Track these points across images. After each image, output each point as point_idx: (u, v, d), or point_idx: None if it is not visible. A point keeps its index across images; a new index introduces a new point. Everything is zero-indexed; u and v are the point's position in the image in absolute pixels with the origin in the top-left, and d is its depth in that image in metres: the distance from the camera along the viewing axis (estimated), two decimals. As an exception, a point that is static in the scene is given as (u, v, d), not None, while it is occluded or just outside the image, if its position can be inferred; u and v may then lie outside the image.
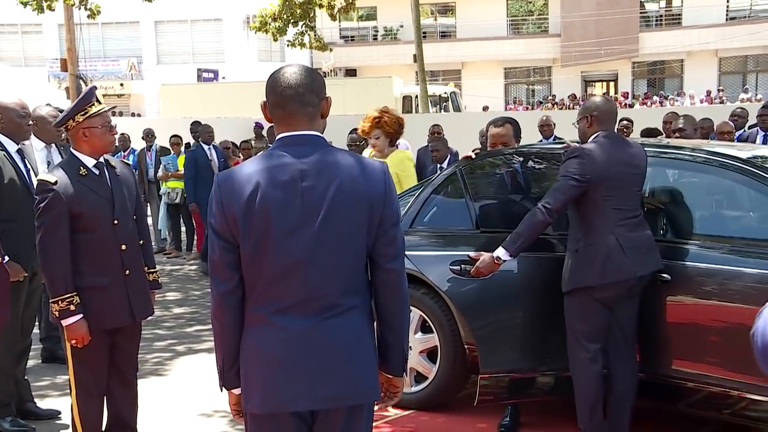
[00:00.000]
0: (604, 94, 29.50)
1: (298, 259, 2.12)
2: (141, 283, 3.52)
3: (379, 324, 2.28)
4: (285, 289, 2.14)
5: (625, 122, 8.61)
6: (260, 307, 2.16)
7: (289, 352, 2.14)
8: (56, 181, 3.26)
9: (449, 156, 8.09)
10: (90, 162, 3.39)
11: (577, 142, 3.93)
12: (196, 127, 10.24)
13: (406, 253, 3.60)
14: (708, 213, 4.03)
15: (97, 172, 3.40)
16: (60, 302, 3.23)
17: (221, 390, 2.31)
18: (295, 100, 2.17)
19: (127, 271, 3.42)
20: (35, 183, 4.19)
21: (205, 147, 9.43)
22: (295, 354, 2.14)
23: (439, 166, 8.09)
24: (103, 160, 3.45)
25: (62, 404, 4.60)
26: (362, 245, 2.19)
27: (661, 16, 32.08)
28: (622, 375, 3.63)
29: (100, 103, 3.41)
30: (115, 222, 3.38)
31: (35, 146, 4.81)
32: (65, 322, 3.26)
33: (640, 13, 31.06)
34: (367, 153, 5.25)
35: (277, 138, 2.22)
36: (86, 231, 3.30)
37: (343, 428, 2.20)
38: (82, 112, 3.36)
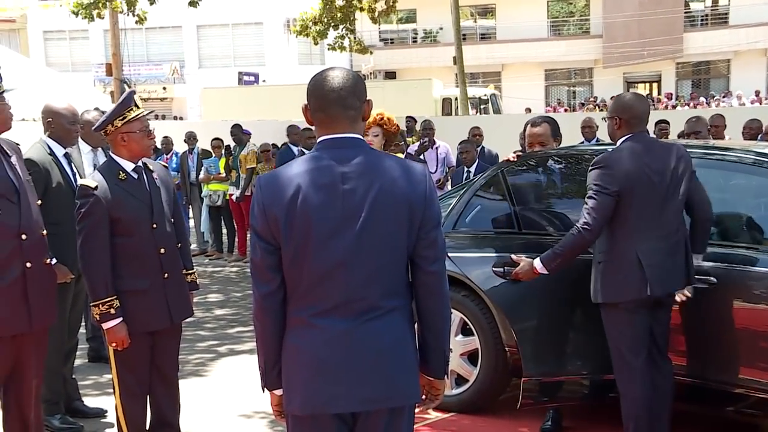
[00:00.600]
0: (635, 92, 29.05)
1: (339, 262, 2.13)
2: (180, 286, 3.56)
3: (420, 326, 2.28)
4: (326, 291, 2.15)
5: (662, 125, 8.44)
6: (301, 309, 2.17)
7: (330, 353, 2.15)
8: (96, 186, 3.30)
9: (477, 159, 8.04)
10: (129, 166, 3.44)
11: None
12: (237, 130, 10.34)
13: (449, 254, 3.59)
14: (756, 215, 3.93)
15: (135, 177, 3.45)
16: (100, 306, 3.28)
17: (263, 391, 2.33)
18: (338, 104, 2.18)
19: (166, 274, 3.45)
20: None
21: (295, 149, 9.34)
22: (336, 356, 2.14)
23: (466, 169, 8.01)
24: (141, 164, 3.50)
25: (108, 403, 4.67)
26: (403, 247, 2.18)
27: (706, 15, 31.50)
28: (657, 385, 3.55)
29: (138, 107, 3.45)
30: (154, 226, 3.42)
31: (82, 150, 4.90)
32: (105, 326, 3.30)
33: (685, 12, 30.54)
34: None
35: (318, 141, 2.23)
36: (125, 235, 3.34)
37: (384, 430, 2.20)
38: (121, 117, 3.41)
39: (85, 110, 5.18)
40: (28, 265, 3.16)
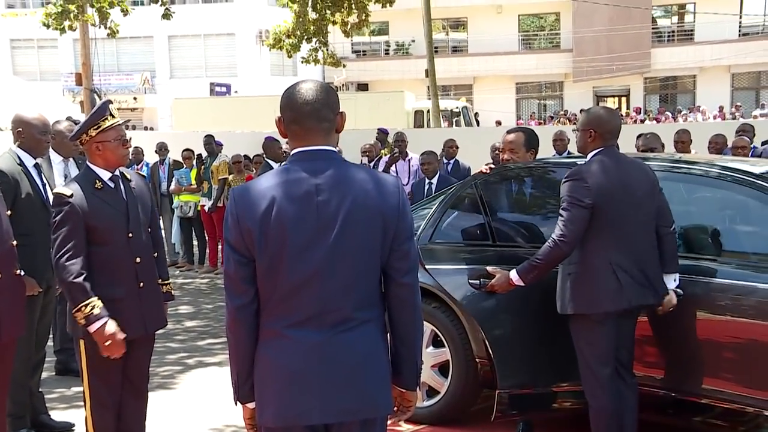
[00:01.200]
0: (607, 107, 29.44)
1: (312, 273, 2.14)
2: (155, 295, 3.55)
3: (393, 338, 2.29)
4: (299, 302, 2.15)
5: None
6: (275, 321, 2.17)
7: (303, 365, 2.15)
8: (72, 195, 3.29)
9: (438, 172, 7.97)
10: (105, 175, 3.43)
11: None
12: (210, 141, 10.29)
13: (425, 266, 3.61)
14: (721, 228, 4.01)
15: (112, 185, 3.43)
16: (83, 309, 3.24)
17: (236, 404, 2.32)
18: (312, 116, 2.20)
19: (141, 284, 3.44)
20: (51, 197, 4.24)
21: (274, 164, 8.91)
22: (310, 367, 2.15)
23: (428, 180, 7.90)
24: (118, 173, 3.49)
25: (75, 416, 4.61)
26: (376, 259, 2.20)
27: (673, 31, 32.09)
28: (623, 396, 3.59)
29: (113, 116, 3.45)
30: (130, 235, 3.41)
31: (53, 160, 4.86)
32: (93, 328, 3.25)
33: (653, 28, 31.09)
34: None
35: (292, 153, 2.25)
36: (101, 244, 3.33)
37: None
38: (96, 126, 3.40)
39: (56, 120, 5.14)
40: None
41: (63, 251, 3.25)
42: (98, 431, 3.43)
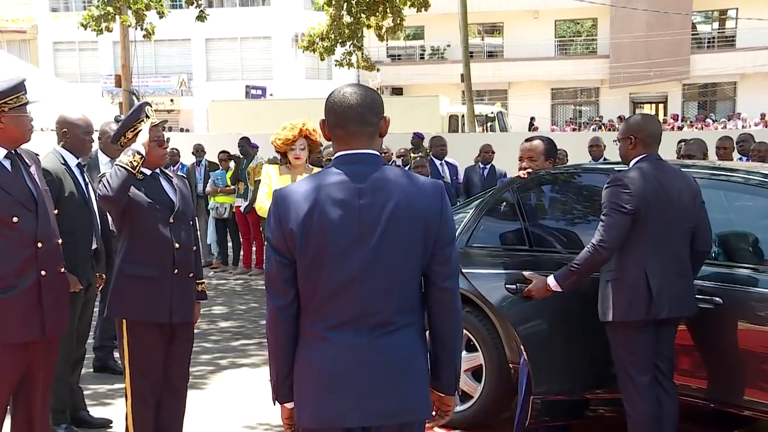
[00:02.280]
0: (646, 113, 29.13)
1: (354, 276, 2.15)
2: (187, 285, 3.64)
3: (432, 342, 2.29)
4: (340, 305, 2.16)
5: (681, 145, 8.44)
6: (315, 323, 2.19)
7: (343, 367, 2.16)
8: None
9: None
10: (146, 173, 3.54)
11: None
12: (245, 143, 10.39)
13: (463, 270, 3.60)
14: (762, 237, 3.94)
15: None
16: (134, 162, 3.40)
17: (274, 403, 2.33)
18: (356, 120, 2.22)
19: (176, 270, 3.54)
20: (92, 197, 4.32)
21: (437, 162, 9.13)
22: (349, 369, 2.16)
23: None
24: (158, 171, 3.57)
25: (112, 413, 4.68)
26: (418, 263, 2.21)
27: (713, 37, 31.63)
28: (663, 405, 3.55)
29: (149, 118, 3.51)
30: (171, 221, 3.52)
31: (101, 161, 4.98)
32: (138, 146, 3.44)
33: (692, 34, 30.67)
34: (273, 174, 4.95)
35: (335, 156, 2.26)
36: (143, 228, 3.50)
37: None
38: (132, 128, 3.48)
39: (105, 122, 5.25)
40: (43, 273, 3.19)
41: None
42: (138, 427, 3.49)
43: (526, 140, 4.44)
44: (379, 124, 2.26)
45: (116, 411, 4.65)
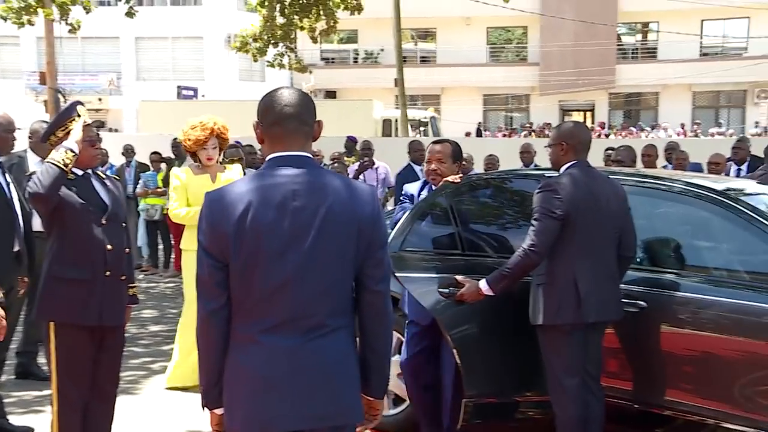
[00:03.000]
0: (578, 121, 29.84)
1: (287, 279, 2.14)
2: (118, 288, 3.56)
3: (362, 346, 2.29)
4: (273, 308, 2.15)
5: (608, 152, 8.73)
6: (247, 326, 2.17)
7: (275, 371, 2.14)
8: None
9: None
10: (78, 173, 3.45)
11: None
12: (178, 144, 10.20)
13: (397, 274, 3.63)
14: (683, 243, 4.10)
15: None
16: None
17: (203, 409, 2.30)
18: (295, 119, 2.22)
19: (108, 272, 3.46)
20: (15, 196, 4.18)
21: (416, 167, 8.57)
22: (282, 373, 2.14)
23: None
24: (90, 172, 3.49)
25: (34, 421, 4.54)
26: (350, 267, 2.21)
27: (637, 49, 32.69)
28: (591, 407, 3.63)
29: (80, 117, 3.43)
30: (103, 222, 3.45)
31: (32, 160, 4.84)
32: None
33: (617, 45, 31.61)
34: (184, 176, 4.88)
35: (269, 158, 2.24)
36: (72, 228, 3.43)
37: None
38: (63, 127, 3.39)
39: (35, 121, 5.11)
40: None
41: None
42: None
43: (434, 142, 4.41)
44: (314, 126, 2.28)
45: (39, 419, 4.51)
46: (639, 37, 33.21)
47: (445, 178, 4.22)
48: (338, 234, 2.17)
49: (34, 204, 3.36)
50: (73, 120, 3.41)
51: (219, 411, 2.24)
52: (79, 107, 3.48)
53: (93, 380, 3.48)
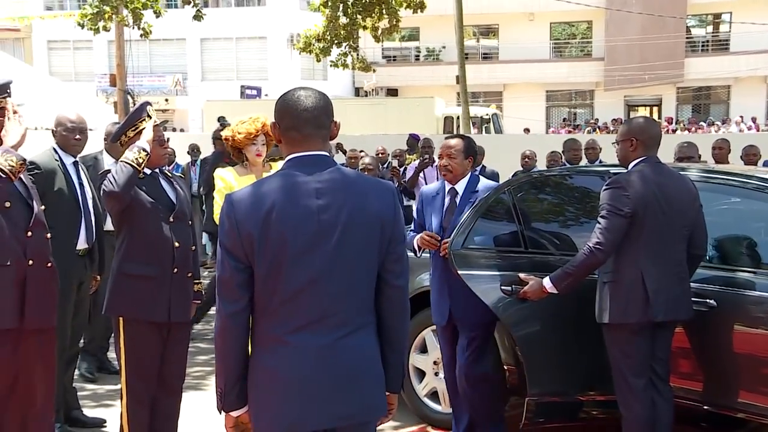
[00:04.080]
0: (646, 116, 29.21)
1: (314, 278, 2.14)
2: (185, 285, 3.64)
3: (381, 340, 2.30)
4: (300, 307, 2.15)
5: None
6: (275, 327, 2.16)
7: (305, 371, 2.15)
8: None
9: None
10: (147, 173, 3.55)
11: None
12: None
13: (459, 272, 3.64)
14: (759, 240, 3.96)
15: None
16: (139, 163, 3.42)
17: (220, 412, 2.28)
18: (312, 123, 2.23)
19: (176, 269, 3.55)
20: (88, 196, 4.31)
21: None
22: (311, 373, 2.15)
23: None
24: (158, 171, 3.58)
25: (106, 414, 4.67)
26: (374, 263, 2.23)
27: (707, 41, 31.73)
28: (660, 408, 3.56)
29: (150, 117, 3.52)
30: (171, 220, 3.54)
31: (106, 161, 5.01)
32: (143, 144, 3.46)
33: (687, 38, 30.77)
34: (230, 178, 4.75)
35: (288, 158, 2.24)
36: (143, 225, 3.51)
37: None
38: (133, 128, 3.48)
39: (110, 123, 5.28)
40: (30, 262, 3.15)
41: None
42: (133, 428, 3.48)
43: (447, 137, 4.35)
44: (331, 127, 2.28)
45: (110, 412, 4.64)
46: (710, 29, 32.23)
47: (443, 242, 4.07)
48: (362, 231, 2.19)
49: (109, 202, 3.44)
50: (144, 120, 3.50)
51: (236, 413, 2.24)
52: (148, 108, 3.57)
53: (160, 375, 3.56)
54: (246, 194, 2.18)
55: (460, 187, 4.18)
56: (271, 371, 2.16)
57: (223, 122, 8.98)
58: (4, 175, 3.00)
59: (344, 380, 2.17)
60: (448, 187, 4.20)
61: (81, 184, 4.41)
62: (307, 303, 2.14)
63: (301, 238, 2.13)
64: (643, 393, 3.52)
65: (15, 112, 3.14)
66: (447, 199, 4.19)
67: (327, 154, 2.26)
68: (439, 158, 4.30)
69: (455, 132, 20.69)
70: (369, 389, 2.22)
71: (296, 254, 2.12)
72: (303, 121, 2.21)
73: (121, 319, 3.49)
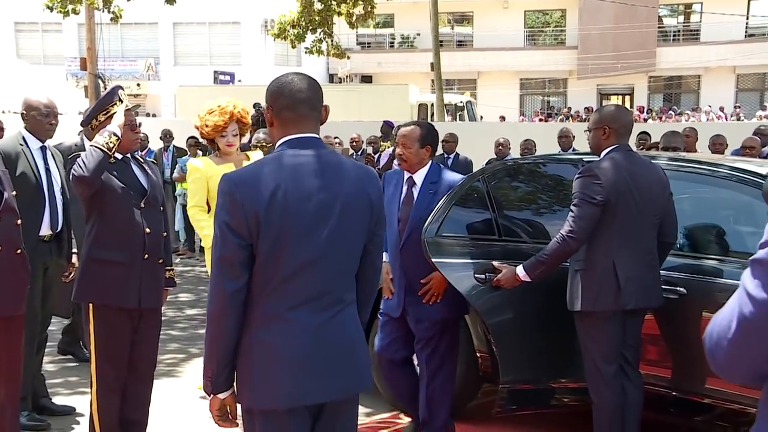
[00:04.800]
0: (619, 104, 29.47)
1: (313, 257, 2.19)
2: (156, 271, 3.60)
3: None
4: (300, 285, 2.20)
5: (642, 136, 8.61)
6: (275, 304, 2.19)
7: (306, 347, 2.20)
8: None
9: None
10: (118, 157, 3.50)
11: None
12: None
13: (433, 259, 3.65)
14: (727, 228, 4.02)
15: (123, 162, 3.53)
16: (104, 141, 3.36)
17: (209, 395, 2.27)
18: (306, 104, 2.28)
19: (146, 255, 3.52)
20: (56, 181, 4.25)
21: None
22: (312, 348, 2.20)
23: None
24: (129, 156, 3.54)
25: (75, 401, 4.63)
26: (362, 244, 2.31)
27: (678, 31, 32.02)
28: (629, 394, 3.61)
29: (122, 102, 3.47)
30: (143, 205, 3.50)
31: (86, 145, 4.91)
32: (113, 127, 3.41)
33: (659, 27, 31.01)
34: (206, 167, 4.42)
35: (284, 140, 2.27)
36: (114, 211, 3.48)
37: (347, 416, 2.34)
38: (104, 111, 3.45)
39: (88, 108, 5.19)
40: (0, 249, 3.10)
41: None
42: (103, 415, 3.45)
43: (402, 125, 4.19)
44: (321, 111, 2.34)
45: (80, 399, 4.60)
46: (681, 18, 32.51)
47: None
48: (356, 213, 2.26)
49: (78, 187, 3.37)
50: (115, 104, 3.45)
51: (223, 395, 2.24)
52: (120, 92, 3.52)
53: (131, 362, 3.53)
54: (249, 174, 2.20)
55: (419, 177, 4.00)
56: (270, 347, 2.17)
57: (258, 108, 8.79)
58: None
59: (341, 355, 2.24)
60: (407, 175, 4.05)
61: (48, 170, 4.34)
62: (306, 281, 2.19)
63: (303, 218, 2.17)
64: (614, 380, 3.56)
65: None
66: (404, 188, 4.05)
67: (319, 137, 2.29)
68: (395, 146, 4.16)
69: (429, 119, 20.72)
70: (360, 362, 2.30)
71: (299, 234, 2.17)
72: (297, 101, 2.25)
73: (90, 305, 3.45)
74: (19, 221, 3.24)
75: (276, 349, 2.18)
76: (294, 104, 2.25)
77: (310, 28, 17.51)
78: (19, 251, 3.20)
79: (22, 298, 3.32)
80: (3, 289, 3.09)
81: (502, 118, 23.93)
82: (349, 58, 20.84)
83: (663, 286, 3.61)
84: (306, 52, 18.82)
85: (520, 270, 3.63)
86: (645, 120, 24.52)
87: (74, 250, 4.48)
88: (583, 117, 25.14)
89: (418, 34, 31.54)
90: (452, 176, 4.16)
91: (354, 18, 17.85)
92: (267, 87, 2.31)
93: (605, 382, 3.56)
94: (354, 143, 10.73)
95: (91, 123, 3.49)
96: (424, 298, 3.90)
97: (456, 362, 4.08)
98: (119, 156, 3.48)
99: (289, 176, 2.18)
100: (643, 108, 28.58)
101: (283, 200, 2.16)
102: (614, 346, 3.56)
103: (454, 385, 4.09)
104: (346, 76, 31.08)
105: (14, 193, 3.37)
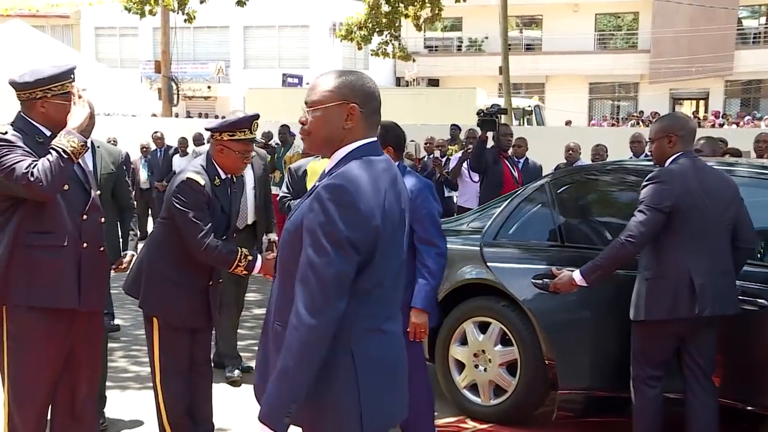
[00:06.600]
0: (693, 112, 28.73)
1: (399, 266, 2.14)
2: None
3: None
4: (391, 297, 2.14)
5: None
6: (373, 317, 2.07)
7: (401, 359, 2.17)
8: (205, 185, 3.49)
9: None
10: (222, 175, 3.61)
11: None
12: (285, 131, 10.44)
13: (489, 264, 3.62)
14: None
15: (225, 186, 3.65)
16: (240, 263, 3.50)
17: (286, 429, 2.02)
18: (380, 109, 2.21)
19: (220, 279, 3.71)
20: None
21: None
22: (402, 361, 2.17)
23: None
24: (229, 177, 3.65)
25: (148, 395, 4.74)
26: None
27: (759, 33, 30.95)
28: (704, 405, 3.52)
29: (251, 132, 3.55)
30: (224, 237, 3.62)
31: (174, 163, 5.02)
32: (256, 268, 3.56)
33: (738, 29, 30.05)
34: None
35: (362, 144, 2.11)
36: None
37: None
38: (230, 133, 3.50)
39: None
40: (85, 245, 3.20)
41: (201, 231, 3.43)
42: (168, 402, 3.59)
43: None
44: None
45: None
46: (762, 20, 31.42)
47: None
48: (407, 219, 2.21)
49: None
50: (244, 132, 3.50)
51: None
52: (255, 122, 3.58)
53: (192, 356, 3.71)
54: (361, 181, 2.01)
55: None
56: (375, 360, 2.06)
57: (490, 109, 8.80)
58: (66, 156, 2.96)
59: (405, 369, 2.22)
60: None
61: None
62: (395, 292, 2.15)
63: (395, 227, 2.09)
64: (652, 383, 3.54)
65: (80, 97, 3.13)
66: None
67: None
68: None
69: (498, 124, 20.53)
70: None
71: (394, 241, 2.09)
72: (379, 106, 2.17)
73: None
74: (102, 219, 3.33)
75: (379, 363, 2.06)
76: (378, 108, 2.15)
77: (377, 30, 17.58)
78: (102, 249, 3.30)
79: (103, 295, 3.42)
80: (87, 285, 3.19)
81: (568, 123, 23.57)
82: (415, 60, 20.84)
83: (743, 297, 3.50)
84: (372, 54, 18.91)
85: (576, 274, 3.59)
86: (720, 125, 23.77)
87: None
88: (653, 121, 24.52)
89: (486, 38, 31.33)
90: (420, 183, 3.64)
91: (421, 20, 17.84)
92: (348, 83, 2.10)
93: (644, 386, 3.54)
94: (428, 145, 10.69)
95: (215, 135, 3.54)
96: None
97: (425, 370, 3.89)
98: (224, 175, 3.60)
99: (386, 182, 2.08)
100: (719, 113, 27.73)
101: (389, 209, 2.05)
102: (664, 358, 3.55)
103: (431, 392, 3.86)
104: (413, 80, 31.11)
105: (98, 192, 3.45)
